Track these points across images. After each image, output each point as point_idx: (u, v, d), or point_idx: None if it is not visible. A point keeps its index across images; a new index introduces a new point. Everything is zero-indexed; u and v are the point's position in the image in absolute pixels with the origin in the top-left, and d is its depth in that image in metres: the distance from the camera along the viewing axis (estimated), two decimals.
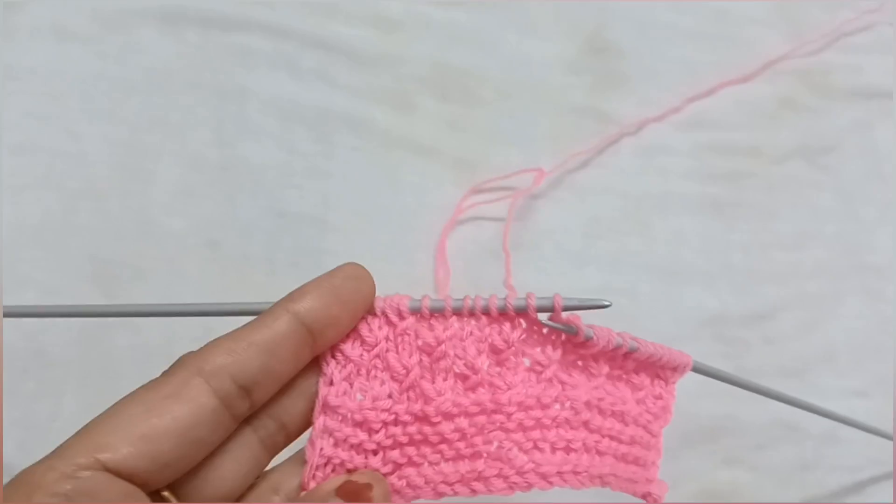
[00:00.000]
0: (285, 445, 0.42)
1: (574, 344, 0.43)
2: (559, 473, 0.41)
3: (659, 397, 0.45)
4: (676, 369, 0.45)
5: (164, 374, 0.37)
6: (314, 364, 0.41)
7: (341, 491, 0.38)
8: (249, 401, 0.38)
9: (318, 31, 0.82)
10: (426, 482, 0.40)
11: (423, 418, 0.40)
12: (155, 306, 0.42)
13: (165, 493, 0.36)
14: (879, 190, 0.80)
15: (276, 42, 0.81)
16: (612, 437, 0.43)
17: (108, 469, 0.33)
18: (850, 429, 0.64)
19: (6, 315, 0.39)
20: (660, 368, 0.45)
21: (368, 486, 0.39)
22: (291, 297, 0.39)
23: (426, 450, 0.41)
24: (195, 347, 0.38)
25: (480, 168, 0.77)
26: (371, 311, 0.41)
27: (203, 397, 0.36)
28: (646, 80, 0.84)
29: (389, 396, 0.41)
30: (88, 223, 0.71)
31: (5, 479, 0.34)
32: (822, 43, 0.87)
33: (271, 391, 0.39)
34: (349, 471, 0.40)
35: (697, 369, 0.46)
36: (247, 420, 0.39)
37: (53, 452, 0.34)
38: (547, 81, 0.83)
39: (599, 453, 0.43)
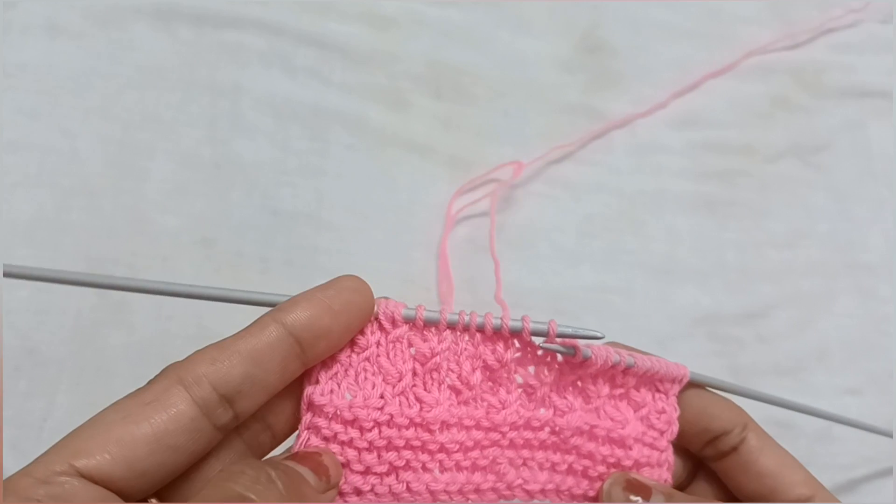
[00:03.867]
0: (272, 447, 0.42)
1: (571, 364, 0.43)
2: (543, 491, 0.43)
3: (662, 412, 0.45)
4: (675, 381, 0.45)
5: (149, 382, 0.37)
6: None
7: (291, 458, 0.38)
8: (233, 410, 0.37)
9: (311, 28, 0.82)
10: (427, 489, 0.41)
11: (421, 424, 0.41)
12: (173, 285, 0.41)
13: (153, 501, 0.36)
14: (872, 189, 0.81)
15: (270, 39, 0.81)
16: (611, 465, 0.44)
17: (82, 475, 0.33)
18: (844, 427, 0.65)
19: (6, 275, 0.39)
20: (658, 382, 0.45)
21: (317, 453, 0.39)
22: (281, 307, 0.39)
23: (424, 456, 0.41)
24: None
25: (474, 166, 0.77)
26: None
27: (182, 405, 0.36)
28: (639, 79, 0.84)
29: (381, 397, 0.41)
30: (81, 221, 0.70)
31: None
32: (805, 37, 0.87)
33: (257, 402, 0.38)
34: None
35: (694, 380, 0.46)
36: None
37: (34, 460, 0.34)
38: (541, 80, 0.83)
39: (588, 478, 0.44)
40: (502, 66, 0.83)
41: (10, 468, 0.56)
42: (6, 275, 0.38)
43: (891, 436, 0.60)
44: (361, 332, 0.41)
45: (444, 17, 0.85)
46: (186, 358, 0.37)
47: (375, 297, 0.41)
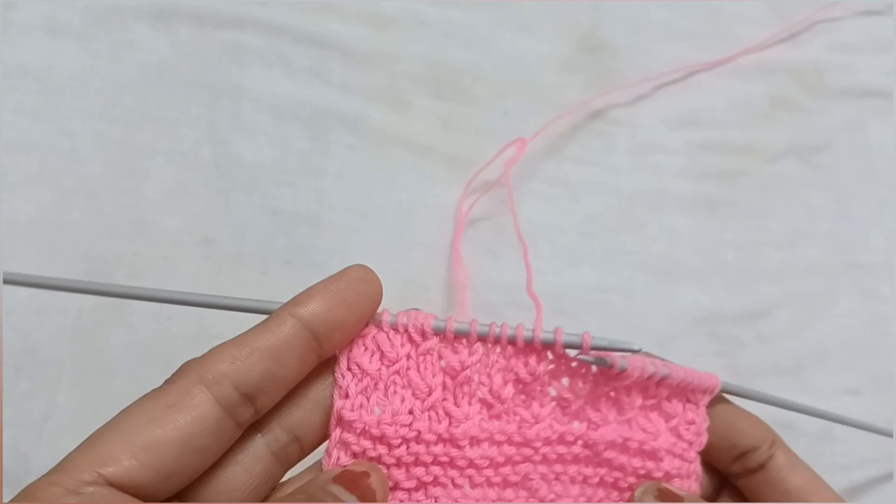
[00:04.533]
0: (300, 459, 0.41)
1: (606, 376, 0.42)
2: None
3: (692, 422, 0.45)
4: (706, 392, 0.45)
5: (167, 382, 0.37)
6: (327, 374, 0.41)
7: (339, 479, 0.38)
8: (254, 407, 0.37)
9: (312, 28, 0.82)
10: None
11: (449, 440, 0.40)
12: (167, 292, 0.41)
13: None
14: (872, 188, 0.81)
15: (270, 39, 0.81)
16: (641, 476, 0.44)
17: (111, 483, 0.33)
18: (844, 427, 0.65)
19: (6, 282, 0.38)
20: (690, 392, 0.45)
21: (366, 474, 0.38)
22: (296, 300, 0.38)
23: (453, 472, 0.41)
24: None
25: (475, 166, 0.77)
26: (393, 326, 0.41)
27: (206, 406, 0.35)
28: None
29: (410, 412, 0.40)
30: (82, 221, 0.70)
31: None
32: (804, 35, 0.87)
33: (276, 397, 0.38)
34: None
35: (726, 390, 0.45)
36: (258, 430, 0.39)
37: (56, 467, 0.33)
38: (541, 79, 0.83)
39: (618, 489, 0.44)
40: (502, 65, 0.83)
41: (10, 468, 0.57)
42: (6, 282, 0.38)
43: (891, 435, 0.60)
44: (391, 343, 0.41)
45: (444, 17, 0.85)
46: (205, 356, 0.37)
47: (399, 310, 0.41)
